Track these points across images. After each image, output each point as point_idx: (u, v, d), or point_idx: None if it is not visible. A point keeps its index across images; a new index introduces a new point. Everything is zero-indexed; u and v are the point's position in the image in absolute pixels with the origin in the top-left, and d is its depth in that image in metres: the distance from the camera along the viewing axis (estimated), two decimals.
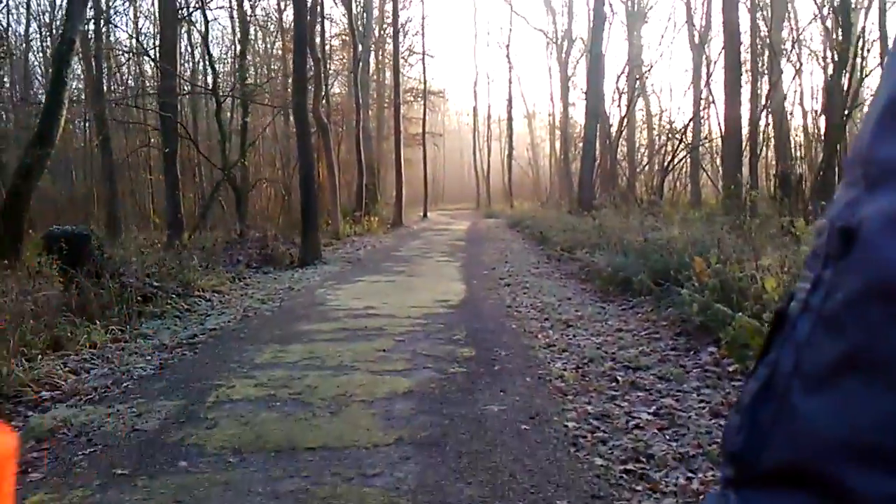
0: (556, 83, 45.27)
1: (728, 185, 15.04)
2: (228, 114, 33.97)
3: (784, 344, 0.48)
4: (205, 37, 20.00)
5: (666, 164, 21.32)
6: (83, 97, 26.60)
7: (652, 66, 23.03)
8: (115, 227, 27.54)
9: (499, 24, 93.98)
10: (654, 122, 32.79)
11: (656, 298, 8.17)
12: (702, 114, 25.36)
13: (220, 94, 20.30)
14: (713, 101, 20.83)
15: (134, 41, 23.75)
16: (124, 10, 25.63)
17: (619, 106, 29.44)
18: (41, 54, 30.15)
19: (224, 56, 28.52)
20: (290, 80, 22.62)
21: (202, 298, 9.66)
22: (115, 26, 24.11)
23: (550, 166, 46.35)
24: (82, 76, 31.88)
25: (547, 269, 12.27)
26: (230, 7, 24.61)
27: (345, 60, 36.70)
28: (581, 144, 42.23)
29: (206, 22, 19.95)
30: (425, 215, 33.99)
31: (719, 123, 22.08)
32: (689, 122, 21.51)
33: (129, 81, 27.26)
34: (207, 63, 21.35)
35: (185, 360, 6.10)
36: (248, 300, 9.55)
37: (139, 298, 8.86)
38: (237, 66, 26.43)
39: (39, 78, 30.22)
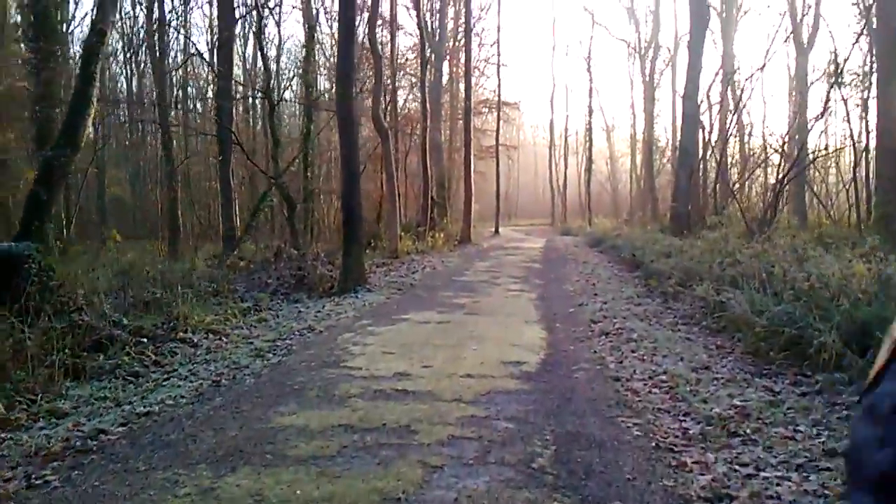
0: (638, 94, 41.44)
1: (885, 200, 11.30)
2: (288, 120, 31.93)
3: None
4: (258, 34, 17.58)
5: (782, 176, 17.48)
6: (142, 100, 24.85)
7: (757, 71, 19.32)
8: (175, 240, 25.70)
9: (578, 35, 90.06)
10: (745, 135, 28.79)
11: (860, 375, 4.89)
12: (810, 122, 21.33)
13: (275, 97, 17.81)
14: (844, 101, 16.98)
15: (187, 40, 21.52)
16: (180, 11, 23.52)
17: (709, 118, 25.68)
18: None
19: (289, 64, 26.31)
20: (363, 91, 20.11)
21: (187, 343, 6.86)
22: (172, 27, 22.09)
23: (631, 182, 42.42)
24: (142, 77, 30.40)
25: (653, 308, 8.96)
26: (297, 6, 22.33)
27: (416, 67, 34.19)
28: (666, 160, 38.42)
29: (260, 18, 17.52)
30: (497, 231, 30.88)
31: (849, 129, 18.14)
32: (811, 127, 17.55)
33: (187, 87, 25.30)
34: (262, 63, 18.93)
35: None
36: (243, 348, 6.67)
37: (88, 345, 6.15)
38: (301, 72, 24.18)
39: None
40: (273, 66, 27.14)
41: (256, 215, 17.16)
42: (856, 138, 16.79)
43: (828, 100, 16.65)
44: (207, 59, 20.64)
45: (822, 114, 17.20)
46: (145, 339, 6.65)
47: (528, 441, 3.89)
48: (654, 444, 3.93)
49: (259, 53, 18.12)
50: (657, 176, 35.81)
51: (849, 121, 15.67)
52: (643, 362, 6.01)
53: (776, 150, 24.37)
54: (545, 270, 14.30)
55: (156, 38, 23.64)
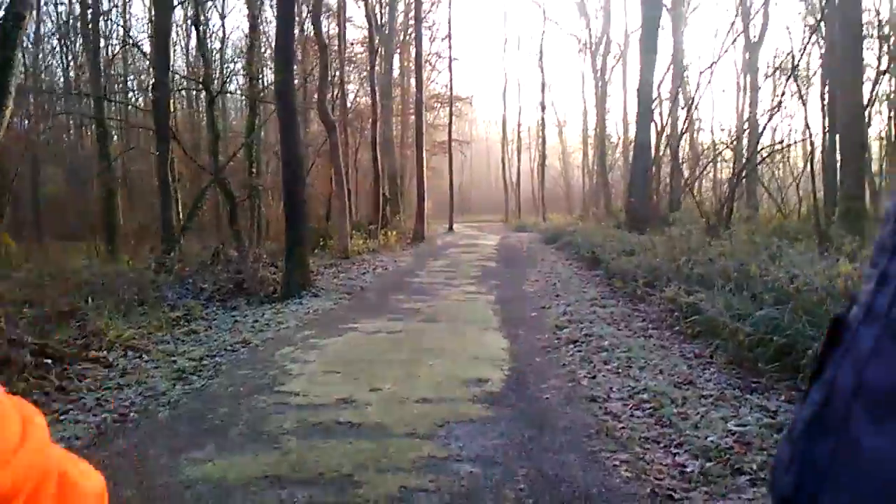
0: (589, 89, 41.24)
1: (849, 195, 10.94)
2: (236, 115, 30.55)
3: (843, 359, 0.39)
4: (195, 21, 16.40)
5: (739, 170, 17.18)
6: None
7: (713, 65, 18.97)
8: (113, 241, 24.22)
9: (529, 30, 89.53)
10: (694, 130, 28.71)
11: None
12: (764, 116, 21.20)
13: (214, 88, 16.67)
14: (800, 96, 16.71)
15: (123, 29, 20.12)
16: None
17: (660, 113, 25.47)
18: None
19: (235, 56, 24.97)
20: (312, 82, 19.10)
21: (101, 363, 5.92)
22: (107, 17, 20.62)
23: (583, 177, 42.25)
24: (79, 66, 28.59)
25: (620, 311, 8.34)
26: None
27: (366, 61, 33.18)
28: (618, 155, 38.28)
29: (197, 5, 16.35)
30: (451, 228, 30.17)
31: (804, 123, 17.95)
32: (770, 118, 17.25)
33: (119, 75, 23.82)
34: (198, 52, 17.75)
35: None
36: (165, 368, 5.76)
37: None
38: (245, 63, 22.99)
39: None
40: (217, 58, 25.88)
41: (194, 213, 16.03)
42: (808, 133, 16.61)
43: (782, 94, 16.43)
44: (143, 50, 19.29)
45: (777, 107, 16.97)
46: (50, 361, 5.69)
47: (497, 491, 3.14)
48: (649, 489, 3.23)
49: (197, 42, 16.91)
50: (610, 171, 35.64)
51: (806, 115, 15.41)
52: (619, 376, 5.34)
53: (727, 146, 24.32)
54: (502, 269, 13.62)
55: (90, 27, 22.17)
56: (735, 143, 25.79)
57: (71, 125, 31.14)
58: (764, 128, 16.96)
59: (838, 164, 12.58)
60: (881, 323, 0.35)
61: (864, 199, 11.18)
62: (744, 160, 18.10)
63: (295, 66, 18.18)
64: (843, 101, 11.46)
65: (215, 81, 18.05)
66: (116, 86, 27.38)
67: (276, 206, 29.82)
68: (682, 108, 25.65)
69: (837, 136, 12.26)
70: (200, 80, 16.64)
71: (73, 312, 7.27)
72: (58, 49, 29.34)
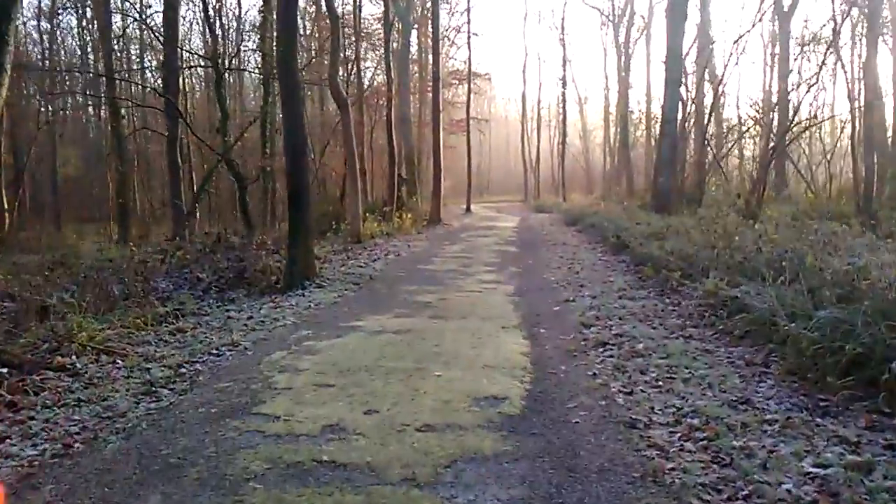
0: (611, 64, 39.85)
1: None
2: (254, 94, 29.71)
3: None
4: None
5: (772, 146, 16.04)
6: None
7: (748, 33, 17.69)
8: (126, 223, 23.72)
9: (550, 3, 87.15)
10: (720, 106, 27.34)
11: None
12: (801, 87, 19.92)
13: (223, 65, 15.87)
14: (842, 66, 15.48)
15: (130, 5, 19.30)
16: None
17: (685, 88, 24.20)
18: None
19: (252, 34, 24.07)
20: (327, 59, 18.20)
21: (67, 370, 5.18)
22: None
23: (604, 155, 41.03)
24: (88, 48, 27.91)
25: (651, 305, 7.44)
26: None
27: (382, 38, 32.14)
28: (640, 133, 36.93)
29: None
30: (468, 209, 29.26)
31: (848, 93, 16.62)
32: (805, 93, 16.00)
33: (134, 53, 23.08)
34: (207, 29, 16.91)
35: None
36: (136, 378, 5.00)
37: None
38: (258, 39, 22.13)
39: None
40: (232, 35, 25.04)
41: (200, 196, 15.32)
42: (854, 105, 15.44)
43: (822, 64, 15.24)
44: (150, 25, 18.50)
45: (816, 78, 15.77)
46: (6, 370, 4.96)
47: None
48: None
49: (204, 16, 16.08)
50: (632, 149, 34.42)
51: (850, 87, 14.21)
52: (660, 392, 4.49)
53: (756, 121, 23.06)
54: (522, 255, 12.75)
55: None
56: (764, 118, 24.51)
57: (89, 105, 30.59)
58: (800, 101, 15.75)
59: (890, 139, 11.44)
60: None
61: None
62: (774, 136, 16.95)
63: (304, 40, 17.27)
64: None
65: (225, 59, 17.25)
66: (129, 64, 26.69)
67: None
68: (708, 83, 24.43)
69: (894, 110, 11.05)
70: (208, 56, 15.81)
71: (47, 309, 6.56)
72: (75, 25, 28.66)
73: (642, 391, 4.52)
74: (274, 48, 22.11)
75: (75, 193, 34.13)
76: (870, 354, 4.31)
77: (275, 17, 11.33)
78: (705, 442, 3.64)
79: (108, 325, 6.42)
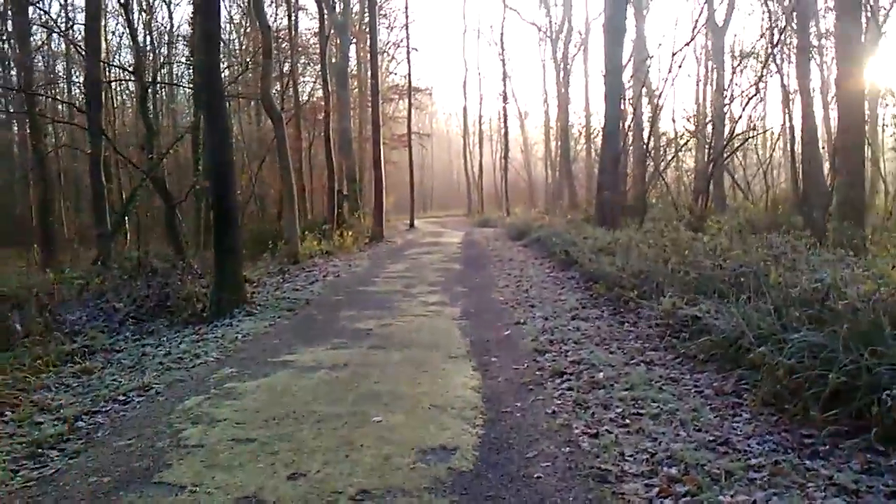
0: (550, 79, 40.10)
1: (848, 183, 9.76)
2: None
3: None
4: (125, 3, 14.54)
5: (713, 158, 16.02)
6: None
7: (686, 46, 17.65)
8: (50, 247, 22.14)
9: (489, 19, 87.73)
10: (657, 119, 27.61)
11: None
12: (741, 101, 20.12)
13: (147, 78, 14.87)
14: (781, 79, 15.60)
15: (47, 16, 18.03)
16: None
17: (622, 103, 24.30)
18: None
19: (167, 41, 22.91)
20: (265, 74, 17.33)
21: None
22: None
23: (546, 169, 41.16)
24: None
25: (606, 327, 6.98)
26: None
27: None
28: (581, 147, 37.11)
29: None
30: (412, 224, 28.67)
31: (785, 108, 16.71)
32: (743, 106, 15.99)
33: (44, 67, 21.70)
34: (129, 38, 15.87)
35: None
36: (17, 440, 4.19)
37: None
38: (190, 53, 21.14)
39: None
40: (164, 48, 23.84)
41: (124, 216, 14.27)
42: (786, 117, 15.57)
43: (760, 77, 15.30)
44: (71, 38, 17.30)
45: (756, 91, 15.84)
46: None
47: None
48: None
49: (127, 27, 15.06)
50: (573, 161, 34.53)
51: (788, 100, 14.30)
52: (629, 433, 3.96)
53: (693, 134, 23.29)
54: (468, 273, 12.20)
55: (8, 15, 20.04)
56: (702, 130, 24.80)
57: (13, 122, 28.80)
58: (742, 112, 15.73)
59: (825, 152, 11.43)
60: None
61: (864, 187, 10.05)
62: (712, 148, 16.98)
63: (236, 53, 16.43)
64: (843, 84, 10.19)
65: (151, 71, 16.23)
66: (54, 77, 25.18)
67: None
68: (646, 97, 24.59)
69: (835, 122, 11.03)
70: (131, 69, 14.79)
71: None
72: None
73: (608, 432, 3.99)
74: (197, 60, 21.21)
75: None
76: (854, 384, 3.90)
77: (176, 16, 10.46)
78: (688, 498, 3.12)
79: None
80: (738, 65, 18.19)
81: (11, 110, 23.25)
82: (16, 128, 30.56)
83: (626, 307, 7.80)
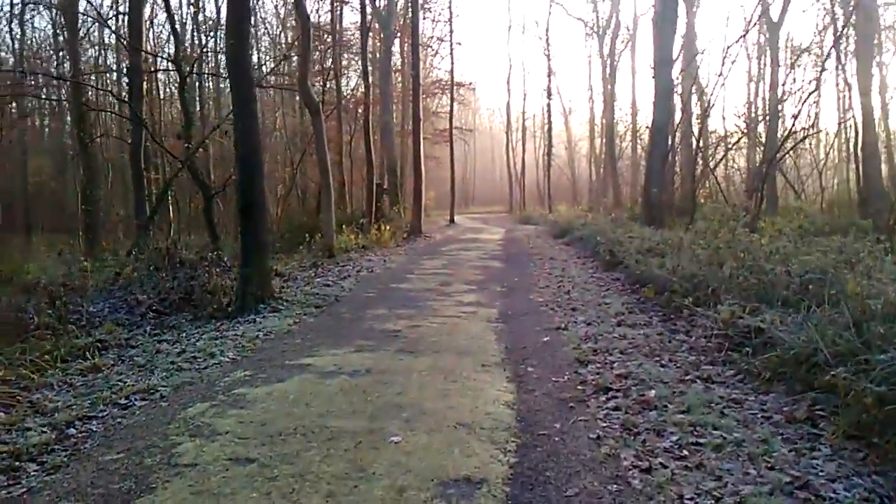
0: (596, 75, 39.11)
1: None
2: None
3: None
4: None
5: (770, 157, 15.05)
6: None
7: (742, 38, 16.57)
8: (94, 234, 22.30)
9: (535, 14, 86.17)
10: (706, 116, 26.39)
11: None
12: (800, 98, 19.02)
13: (185, 67, 14.64)
14: (843, 77, 14.56)
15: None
16: None
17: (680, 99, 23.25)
18: None
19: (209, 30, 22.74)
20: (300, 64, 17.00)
21: None
22: None
23: (590, 166, 40.16)
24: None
25: (656, 335, 6.31)
26: None
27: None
28: (626, 144, 36.00)
29: None
30: (452, 220, 28.12)
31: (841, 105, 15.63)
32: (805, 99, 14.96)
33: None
34: (169, 27, 15.67)
35: None
36: (1, 446, 3.79)
37: None
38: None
39: None
40: (204, 38, 23.76)
41: (159, 206, 14.08)
42: (843, 116, 14.55)
43: (821, 72, 14.28)
44: (111, 27, 17.24)
45: (816, 87, 14.82)
46: None
47: None
48: None
49: (167, 15, 14.85)
50: (619, 159, 33.53)
51: (848, 97, 13.31)
52: (688, 468, 3.34)
53: (743, 133, 22.21)
54: (507, 271, 11.60)
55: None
56: (754, 129, 23.65)
57: (55, 110, 29.32)
58: (799, 110, 14.73)
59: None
60: None
61: None
62: (764, 147, 15.98)
63: (273, 45, 16.11)
64: None
65: (192, 61, 16.04)
66: (96, 67, 25.35)
67: (270, 198, 27.85)
68: (695, 94, 23.55)
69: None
70: (170, 58, 14.57)
71: None
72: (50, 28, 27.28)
73: (663, 466, 3.37)
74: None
75: (48, 203, 32.69)
76: None
77: (225, 8, 10.06)
78: None
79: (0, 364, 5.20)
80: (796, 60, 17.10)
81: (62, 98, 23.48)
82: (68, 117, 31.09)
83: (678, 314, 7.12)
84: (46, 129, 34.52)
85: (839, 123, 20.68)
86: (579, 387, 4.78)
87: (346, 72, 28.22)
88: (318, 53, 24.34)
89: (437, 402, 4.34)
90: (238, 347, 5.98)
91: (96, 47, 25.12)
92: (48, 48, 29.18)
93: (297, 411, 4.17)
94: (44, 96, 24.24)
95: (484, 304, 8.28)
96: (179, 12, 19.50)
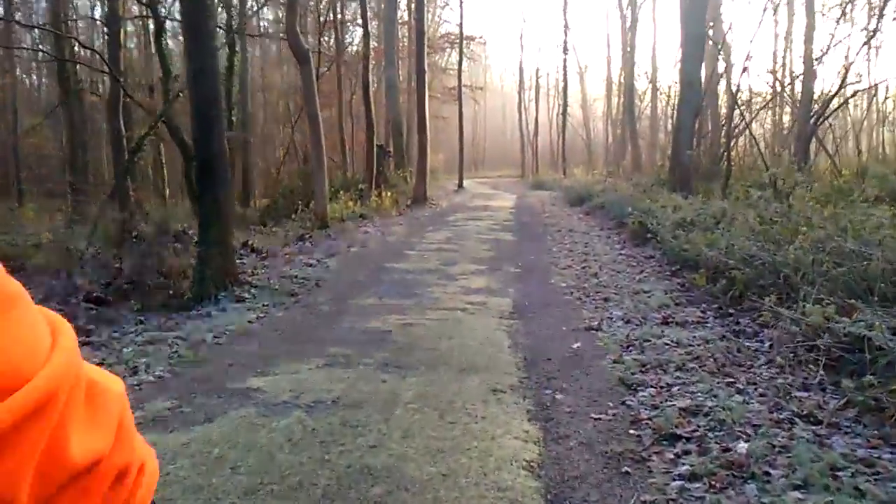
0: (614, 30, 36.97)
1: None
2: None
3: None
4: None
5: (815, 118, 13.34)
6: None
7: None
8: (82, 197, 20.97)
9: None
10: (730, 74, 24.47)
11: None
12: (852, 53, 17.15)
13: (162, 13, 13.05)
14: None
15: None
16: None
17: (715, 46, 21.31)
18: None
19: None
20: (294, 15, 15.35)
21: None
22: None
23: (607, 128, 38.25)
24: None
25: (724, 344, 4.86)
26: None
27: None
28: (646, 104, 34.05)
29: None
30: (461, 185, 26.52)
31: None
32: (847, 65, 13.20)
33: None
34: None
35: None
36: None
37: None
38: None
39: None
40: None
41: (128, 168, 12.65)
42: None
43: (881, 16, 12.45)
44: None
45: (874, 34, 13.01)
46: None
47: None
48: None
49: None
50: (638, 119, 31.65)
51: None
52: None
53: (778, 90, 20.48)
54: (521, 246, 10.13)
55: None
56: (790, 85, 21.85)
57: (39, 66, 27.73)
58: (852, 62, 12.90)
59: None
60: None
61: None
62: (796, 107, 14.25)
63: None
64: None
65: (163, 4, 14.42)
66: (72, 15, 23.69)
67: (268, 160, 26.35)
68: (720, 49, 21.68)
69: None
70: (145, 2, 12.94)
71: None
72: None
73: None
74: (235, 2, 19.25)
75: (44, 166, 31.39)
76: None
77: None
78: None
79: None
80: (845, 7, 15.23)
81: (45, 50, 21.93)
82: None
83: (737, 307, 5.68)
84: (44, 88, 33.02)
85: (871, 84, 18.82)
86: (632, 430, 3.37)
87: (350, 27, 26.43)
88: (313, 1, 22.57)
89: (425, 466, 2.93)
90: (173, 358, 4.57)
91: None
92: None
93: (214, 484, 2.77)
94: (26, 47, 22.76)
95: (495, 290, 6.84)
96: None
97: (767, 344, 4.80)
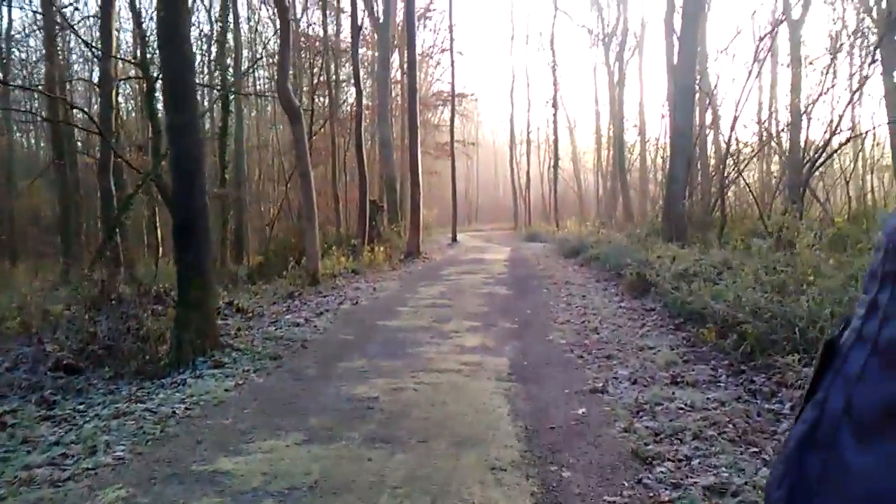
0: (602, 85, 37.44)
1: None
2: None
3: (834, 380, 0.40)
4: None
5: (809, 166, 13.12)
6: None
7: (769, 35, 14.87)
8: (71, 256, 20.53)
9: (538, 24, 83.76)
10: (718, 125, 24.56)
11: None
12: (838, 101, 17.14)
13: (152, 72, 12.91)
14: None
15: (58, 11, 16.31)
16: None
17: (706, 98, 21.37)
18: None
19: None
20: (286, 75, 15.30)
21: None
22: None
23: (598, 179, 38.34)
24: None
25: (742, 408, 4.40)
26: None
27: (369, 61, 29.41)
28: (635, 156, 34.13)
29: None
30: (454, 239, 26.23)
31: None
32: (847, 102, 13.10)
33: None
34: (135, 29, 13.94)
35: None
36: None
37: None
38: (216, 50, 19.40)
39: None
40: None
41: (115, 227, 12.28)
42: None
43: (871, 64, 12.38)
44: (81, 36, 15.53)
45: (862, 84, 12.91)
46: None
47: None
48: None
49: (133, 16, 13.13)
50: (628, 171, 31.68)
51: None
52: None
53: (765, 141, 20.48)
54: (516, 300, 9.71)
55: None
56: (776, 136, 21.85)
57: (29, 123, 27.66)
58: (843, 112, 12.79)
59: None
60: (869, 347, 0.35)
61: None
62: (784, 157, 14.08)
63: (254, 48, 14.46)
64: None
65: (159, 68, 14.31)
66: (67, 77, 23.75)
67: (264, 217, 26.09)
68: (708, 102, 21.77)
69: None
70: (135, 61, 12.80)
71: None
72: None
73: None
74: (230, 63, 19.28)
75: (39, 227, 31.07)
76: None
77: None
78: None
79: None
80: (834, 56, 15.25)
81: (40, 115, 21.81)
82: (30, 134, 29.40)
83: (749, 364, 5.25)
84: (41, 151, 32.96)
85: (872, 127, 18.79)
86: None
87: (344, 86, 26.58)
88: (307, 62, 22.69)
89: None
90: (138, 435, 4.09)
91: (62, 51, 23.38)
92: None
93: None
94: (20, 109, 22.67)
95: (491, 348, 6.39)
96: (146, 17, 17.62)
97: (788, 405, 4.37)
